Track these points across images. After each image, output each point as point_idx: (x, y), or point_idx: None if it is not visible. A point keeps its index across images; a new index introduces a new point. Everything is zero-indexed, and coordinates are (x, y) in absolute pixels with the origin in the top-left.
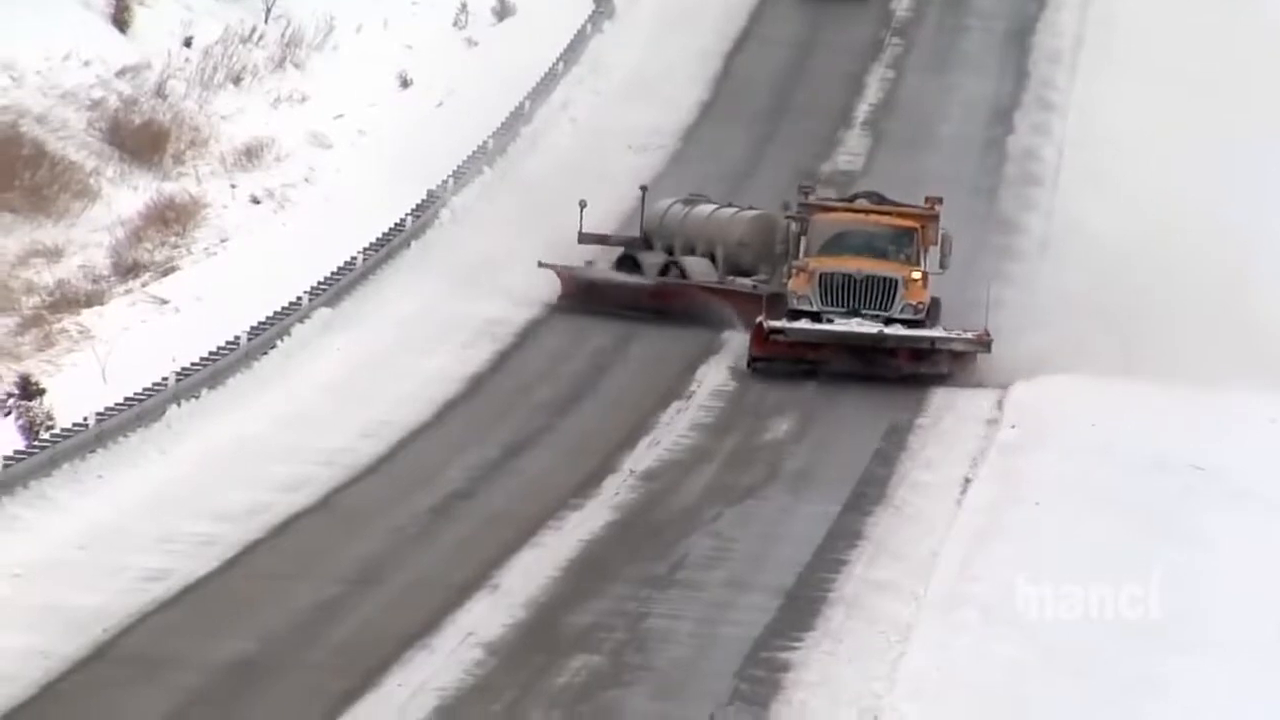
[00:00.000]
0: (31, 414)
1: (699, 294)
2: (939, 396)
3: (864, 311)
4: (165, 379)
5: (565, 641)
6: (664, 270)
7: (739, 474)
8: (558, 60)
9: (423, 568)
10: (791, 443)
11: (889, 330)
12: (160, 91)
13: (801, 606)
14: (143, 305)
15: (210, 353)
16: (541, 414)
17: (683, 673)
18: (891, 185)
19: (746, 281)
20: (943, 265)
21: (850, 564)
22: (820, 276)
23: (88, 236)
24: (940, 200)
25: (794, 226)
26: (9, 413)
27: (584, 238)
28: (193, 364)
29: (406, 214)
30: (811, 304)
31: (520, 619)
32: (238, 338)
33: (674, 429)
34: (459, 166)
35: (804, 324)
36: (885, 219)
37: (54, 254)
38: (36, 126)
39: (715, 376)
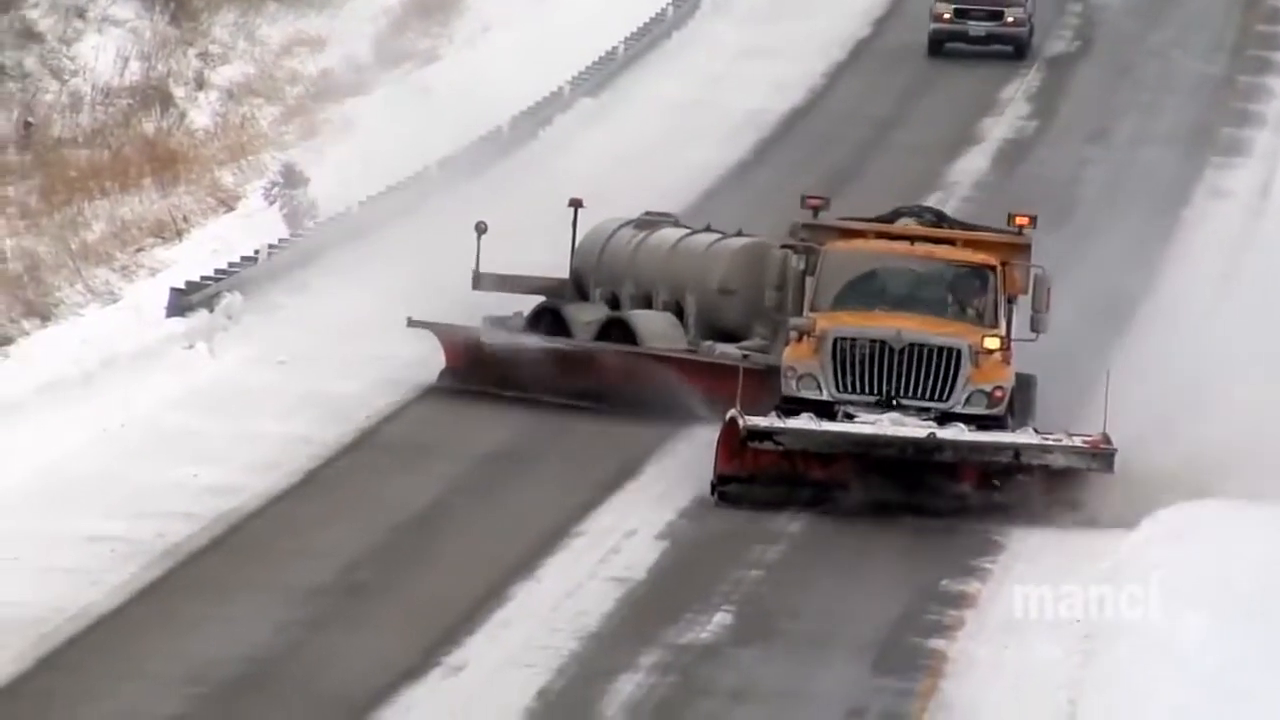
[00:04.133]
0: (295, 202)
1: (656, 368)
2: None
3: (906, 401)
4: (427, 169)
5: None
6: (603, 331)
7: None
8: None
9: None
10: None
11: (946, 433)
12: None
13: None
14: (405, 95)
15: (471, 142)
16: None
17: None
18: (1128, 19)
19: (732, 349)
20: (1036, 327)
21: None
22: (836, 344)
23: (350, 26)
24: (1033, 220)
25: (795, 260)
26: (274, 201)
27: (481, 280)
28: (454, 154)
29: (668, 3)
30: (820, 388)
31: None
32: (499, 128)
33: None
34: None
35: (806, 421)
36: (943, 251)
37: (317, 43)
38: None
39: None
